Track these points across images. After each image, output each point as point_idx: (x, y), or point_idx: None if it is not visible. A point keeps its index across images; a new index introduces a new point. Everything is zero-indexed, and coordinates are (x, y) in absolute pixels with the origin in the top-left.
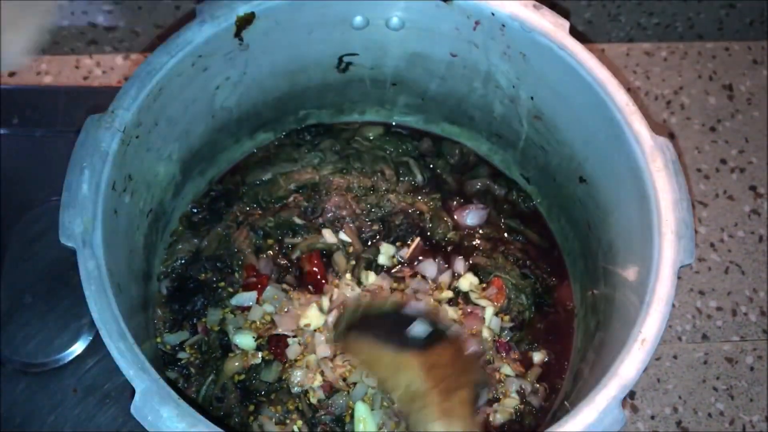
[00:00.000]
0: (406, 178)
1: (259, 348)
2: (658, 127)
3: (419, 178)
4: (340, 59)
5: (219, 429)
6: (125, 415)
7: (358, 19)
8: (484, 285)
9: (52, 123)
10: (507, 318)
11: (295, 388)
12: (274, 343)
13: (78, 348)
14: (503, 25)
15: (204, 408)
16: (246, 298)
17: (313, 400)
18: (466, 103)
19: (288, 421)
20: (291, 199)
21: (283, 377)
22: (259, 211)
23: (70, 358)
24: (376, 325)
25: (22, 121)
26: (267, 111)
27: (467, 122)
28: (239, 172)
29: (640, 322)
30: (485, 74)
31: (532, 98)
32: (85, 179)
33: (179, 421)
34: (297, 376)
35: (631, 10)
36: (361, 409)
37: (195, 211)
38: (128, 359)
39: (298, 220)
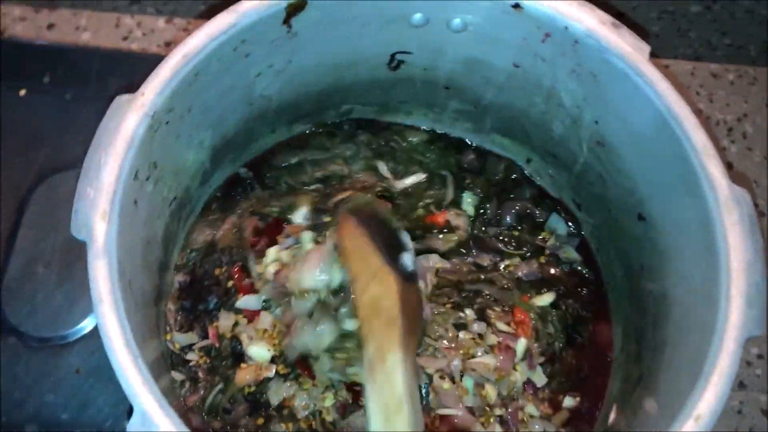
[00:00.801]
0: (436, 190)
1: (273, 360)
2: (737, 175)
3: (449, 196)
4: (392, 56)
5: None
6: (127, 403)
7: (418, 17)
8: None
9: (84, 85)
10: (537, 351)
11: (302, 412)
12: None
13: (86, 327)
14: (576, 41)
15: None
16: (251, 301)
17: (328, 419)
18: (523, 117)
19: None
20: (312, 187)
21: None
22: (268, 196)
23: (77, 336)
24: (376, 227)
25: (53, 80)
26: (308, 103)
27: (521, 137)
28: (266, 157)
29: (696, 395)
30: (548, 90)
31: (596, 122)
32: (106, 166)
33: None
34: (303, 398)
35: (703, 27)
36: None
37: (213, 198)
38: (129, 374)
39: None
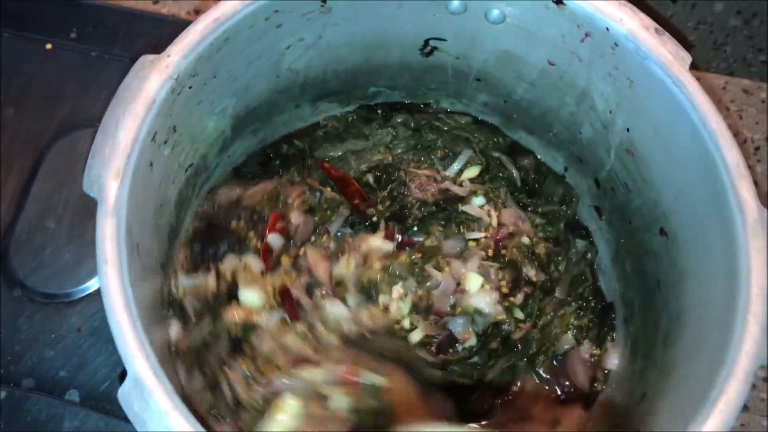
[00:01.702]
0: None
1: (267, 309)
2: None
3: (515, 175)
4: (426, 42)
5: None
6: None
7: (456, 4)
8: None
9: (110, 44)
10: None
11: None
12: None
13: (91, 287)
14: (616, 44)
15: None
16: (276, 240)
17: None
18: (552, 116)
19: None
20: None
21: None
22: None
23: (81, 295)
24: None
25: (80, 36)
26: (335, 81)
27: (547, 137)
28: (303, 140)
29: (700, 421)
30: (582, 91)
31: (628, 130)
32: (124, 125)
33: (167, 418)
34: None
35: (740, 43)
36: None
37: (246, 163)
38: (127, 337)
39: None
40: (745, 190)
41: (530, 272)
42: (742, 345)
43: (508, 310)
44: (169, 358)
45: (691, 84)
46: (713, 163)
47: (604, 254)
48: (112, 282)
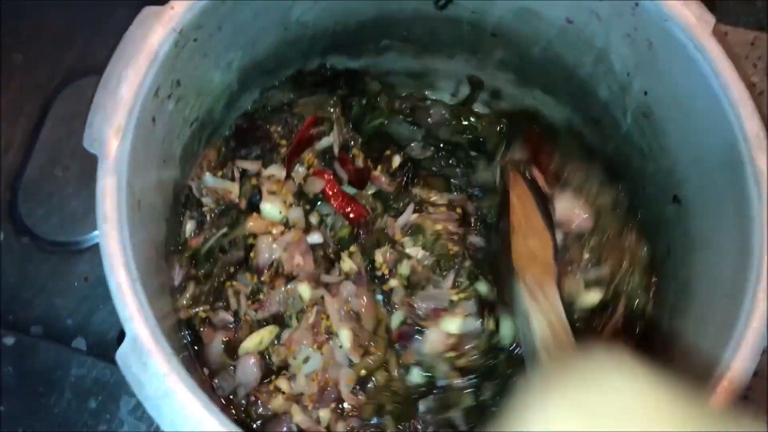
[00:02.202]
0: None
1: (284, 224)
2: None
3: None
4: None
5: (206, 399)
6: None
7: None
8: None
9: None
10: None
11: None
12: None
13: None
14: (637, 3)
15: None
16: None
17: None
18: (568, 76)
19: (261, 295)
20: None
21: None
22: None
23: (89, 244)
24: (536, 193)
25: None
26: (346, 34)
27: (564, 97)
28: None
29: (703, 397)
30: (599, 52)
31: (645, 93)
32: (126, 80)
33: (165, 381)
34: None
35: None
36: None
37: (311, 75)
38: (126, 297)
39: None
40: (764, 163)
41: None
42: (750, 322)
43: None
44: (171, 312)
45: (713, 49)
46: (731, 132)
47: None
48: (112, 241)
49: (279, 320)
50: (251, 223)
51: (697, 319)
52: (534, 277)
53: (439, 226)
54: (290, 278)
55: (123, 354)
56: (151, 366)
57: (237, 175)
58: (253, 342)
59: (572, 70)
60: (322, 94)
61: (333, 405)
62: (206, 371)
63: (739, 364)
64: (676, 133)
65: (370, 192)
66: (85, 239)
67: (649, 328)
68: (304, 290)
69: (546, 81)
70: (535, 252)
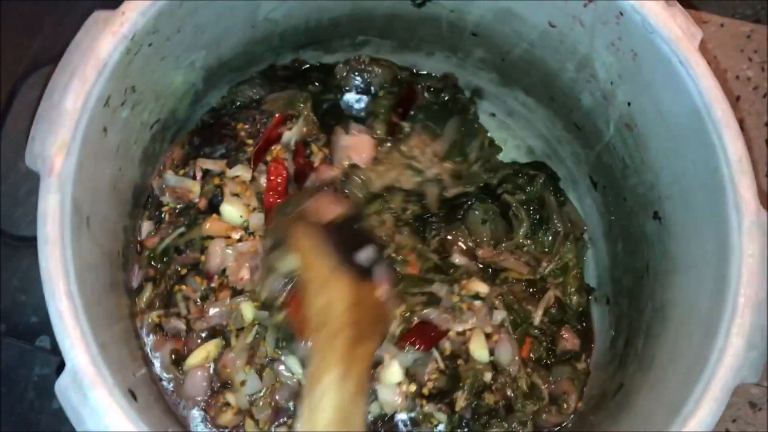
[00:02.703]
0: None
1: (245, 229)
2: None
3: None
4: None
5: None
6: None
7: None
8: None
9: None
10: None
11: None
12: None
13: None
14: (621, 13)
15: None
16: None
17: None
18: (551, 80)
19: (210, 298)
20: None
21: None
22: None
23: None
24: (333, 227)
25: None
26: (320, 30)
27: (546, 100)
28: None
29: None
30: (582, 58)
31: (629, 104)
32: (71, 91)
33: (105, 413)
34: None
35: None
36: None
37: (283, 69)
38: (68, 326)
39: None
40: (746, 188)
41: None
42: (723, 358)
43: None
44: (127, 319)
45: (699, 65)
46: (714, 153)
47: (596, 226)
48: (54, 265)
49: (221, 334)
50: (209, 225)
51: (670, 346)
52: (317, 351)
53: None
54: (238, 292)
55: (62, 386)
56: (92, 399)
57: (199, 174)
58: (198, 357)
59: (555, 74)
60: (293, 90)
61: (290, 422)
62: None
63: (708, 404)
64: (658, 148)
65: None
66: None
67: (625, 349)
68: (247, 309)
69: (528, 83)
70: (327, 309)
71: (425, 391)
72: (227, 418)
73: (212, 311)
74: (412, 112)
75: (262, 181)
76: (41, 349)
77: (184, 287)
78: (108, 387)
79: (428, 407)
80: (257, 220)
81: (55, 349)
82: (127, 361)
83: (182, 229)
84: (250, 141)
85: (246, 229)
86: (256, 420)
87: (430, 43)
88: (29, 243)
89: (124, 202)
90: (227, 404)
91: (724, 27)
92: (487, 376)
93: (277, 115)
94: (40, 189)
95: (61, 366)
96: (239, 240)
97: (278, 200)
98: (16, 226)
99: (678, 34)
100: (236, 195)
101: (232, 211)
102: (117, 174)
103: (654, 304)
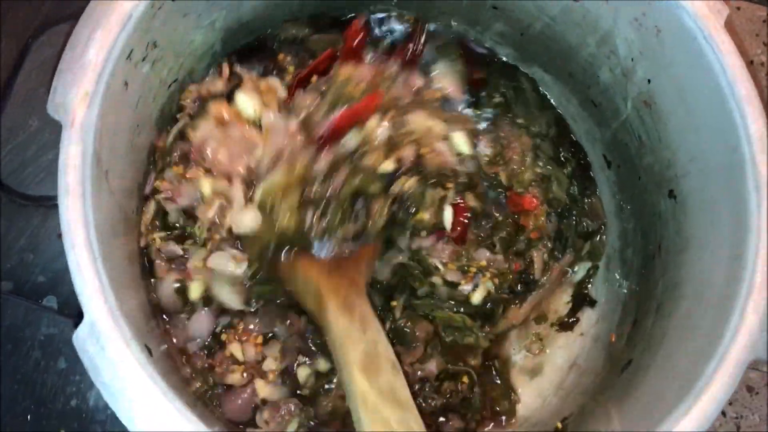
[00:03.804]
0: None
1: (255, 124)
2: None
3: None
4: None
5: (164, 386)
6: None
7: None
8: None
9: None
10: None
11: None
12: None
13: None
14: None
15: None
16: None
17: None
18: (570, 55)
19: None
20: None
21: None
22: None
23: None
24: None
25: None
26: None
27: (564, 76)
28: None
29: (680, 412)
30: (604, 34)
31: (649, 81)
32: (95, 43)
33: (121, 367)
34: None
35: None
36: None
37: (321, 14)
38: (86, 277)
39: None
40: (766, 168)
41: None
42: (737, 336)
43: None
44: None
45: (724, 42)
46: (735, 131)
47: (608, 206)
48: (74, 216)
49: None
50: (215, 107)
51: (682, 323)
52: (342, 299)
53: None
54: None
55: (80, 337)
56: (109, 351)
57: (226, 72)
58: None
59: (574, 49)
60: (336, 34)
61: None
62: (165, 318)
63: (721, 379)
64: (677, 126)
65: None
66: None
67: (633, 327)
68: (206, 186)
69: (546, 58)
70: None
71: None
72: (236, 378)
73: (184, 191)
74: None
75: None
76: (48, 308)
77: (175, 168)
78: (125, 340)
79: None
80: (272, 119)
81: (61, 309)
82: (141, 316)
83: (187, 120)
84: (291, 68)
85: (258, 126)
86: (264, 375)
87: (449, 14)
88: (38, 202)
89: (140, 161)
90: (234, 359)
91: (740, 11)
92: None
93: (328, 49)
94: (62, 139)
95: (79, 318)
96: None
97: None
98: (24, 186)
99: (704, 11)
100: (257, 91)
101: (245, 100)
102: (135, 130)
103: (666, 282)
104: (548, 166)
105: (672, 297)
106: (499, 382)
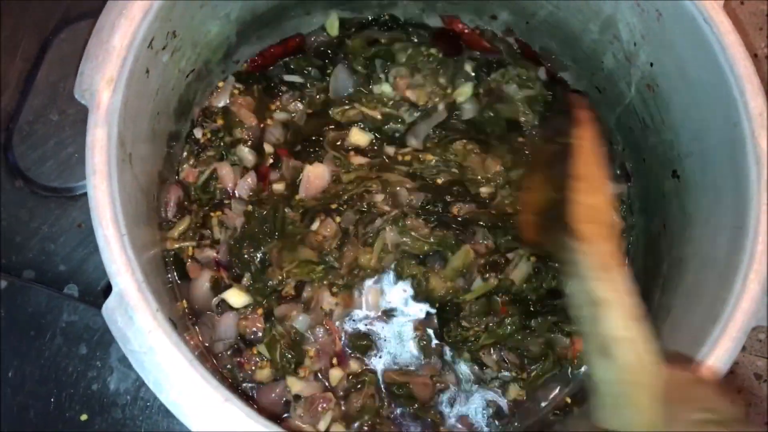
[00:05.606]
0: None
1: None
2: None
3: None
4: None
5: (190, 355)
6: None
7: None
8: None
9: None
10: None
11: None
12: None
13: None
14: None
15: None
16: None
17: None
18: (574, 41)
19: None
20: None
21: None
22: None
23: (83, 191)
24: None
25: None
26: None
27: (569, 62)
28: None
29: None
30: (607, 19)
31: (651, 64)
32: (119, 29)
33: (150, 336)
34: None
35: None
36: None
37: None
38: (113, 251)
39: None
40: (765, 142)
41: None
42: (740, 302)
43: None
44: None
45: (723, 23)
46: (735, 109)
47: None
48: (101, 194)
49: None
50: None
51: (688, 295)
52: (600, 257)
53: None
54: None
55: (109, 308)
56: (137, 321)
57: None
58: (237, 298)
59: (578, 36)
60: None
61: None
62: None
63: (725, 344)
64: (679, 107)
65: None
66: (80, 185)
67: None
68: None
69: (551, 46)
70: (598, 213)
71: None
72: (264, 374)
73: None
74: None
75: None
76: (69, 296)
77: (219, 213)
78: (152, 311)
79: None
80: None
81: (82, 297)
82: (164, 292)
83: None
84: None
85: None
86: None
87: (455, 4)
88: (58, 194)
89: (160, 147)
90: (261, 357)
91: (744, 4)
92: None
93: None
94: (88, 123)
95: (108, 290)
96: None
97: None
98: (45, 177)
99: None
100: None
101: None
102: (155, 117)
103: (671, 258)
104: None
105: (677, 272)
106: None
